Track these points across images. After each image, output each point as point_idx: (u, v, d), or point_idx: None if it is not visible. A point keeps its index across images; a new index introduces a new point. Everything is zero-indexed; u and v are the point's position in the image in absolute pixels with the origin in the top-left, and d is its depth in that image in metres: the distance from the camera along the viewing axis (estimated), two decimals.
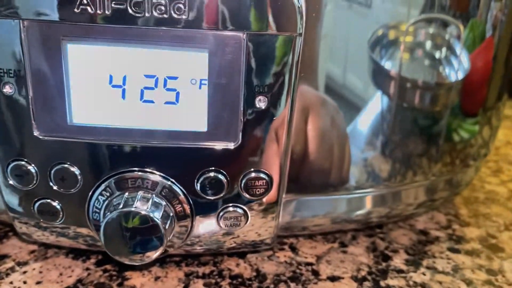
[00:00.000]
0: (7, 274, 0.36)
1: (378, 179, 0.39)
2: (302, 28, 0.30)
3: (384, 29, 0.34)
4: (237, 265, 0.39)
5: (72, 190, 0.34)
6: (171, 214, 0.34)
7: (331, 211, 0.40)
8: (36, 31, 0.30)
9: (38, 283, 0.36)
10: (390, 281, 0.38)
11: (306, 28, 0.31)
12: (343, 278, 0.38)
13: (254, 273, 0.38)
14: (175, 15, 0.29)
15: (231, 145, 0.33)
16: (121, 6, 0.29)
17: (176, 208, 0.34)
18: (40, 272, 0.37)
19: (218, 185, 0.34)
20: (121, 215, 0.32)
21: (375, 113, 0.37)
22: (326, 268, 0.39)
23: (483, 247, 0.43)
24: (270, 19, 0.30)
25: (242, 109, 0.32)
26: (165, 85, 0.32)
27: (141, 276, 0.37)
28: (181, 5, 0.29)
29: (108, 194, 0.33)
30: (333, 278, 0.38)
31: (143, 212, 0.32)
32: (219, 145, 0.33)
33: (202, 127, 0.32)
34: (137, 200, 0.32)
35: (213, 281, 0.37)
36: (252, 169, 0.34)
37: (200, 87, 0.32)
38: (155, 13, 0.29)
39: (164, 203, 0.34)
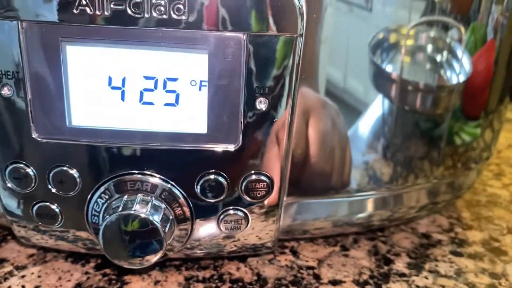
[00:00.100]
0: (5, 279, 0.36)
1: (380, 182, 0.39)
2: (302, 29, 0.30)
3: (385, 32, 0.34)
4: (238, 269, 0.38)
5: (71, 193, 0.33)
6: (171, 217, 0.33)
7: (332, 214, 0.40)
8: (35, 32, 0.29)
9: (36, 287, 0.35)
10: (392, 285, 0.37)
11: (307, 30, 0.31)
12: (344, 282, 0.38)
13: (255, 277, 0.38)
14: (174, 16, 0.29)
15: (231, 147, 0.32)
16: (120, 7, 0.28)
17: (176, 211, 0.34)
18: (39, 276, 0.36)
19: (218, 187, 0.33)
20: (120, 218, 0.31)
21: (376, 116, 0.36)
22: (327, 272, 0.39)
23: (486, 251, 0.43)
24: (271, 19, 0.29)
25: (242, 111, 0.31)
26: (164, 86, 0.31)
27: (140, 280, 0.37)
28: (180, 6, 0.29)
29: (107, 197, 0.33)
30: (334, 282, 0.38)
31: (142, 215, 0.31)
32: (219, 147, 0.32)
33: (202, 129, 0.32)
34: (136, 203, 0.32)
35: (213, 285, 0.36)
36: (253, 172, 0.33)
37: (200, 89, 0.31)
38: (154, 14, 0.29)
39: (163, 206, 0.33)
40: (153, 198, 0.33)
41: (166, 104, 0.31)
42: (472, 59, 0.38)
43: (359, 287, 0.37)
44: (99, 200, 0.33)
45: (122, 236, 0.32)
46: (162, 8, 0.29)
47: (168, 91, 0.31)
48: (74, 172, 0.33)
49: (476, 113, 0.42)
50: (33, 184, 0.33)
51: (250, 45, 0.30)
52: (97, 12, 0.29)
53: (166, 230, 0.32)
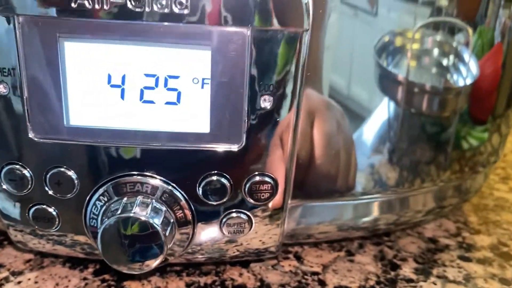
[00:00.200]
0: (1, 285, 0.35)
1: (385, 185, 0.38)
2: (309, 23, 0.29)
3: (390, 36, 0.33)
4: (240, 274, 0.37)
5: (69, 195, 0.32)
6: (172, 220, 0.32)
7: (337, 218, 0.38)
8: (32, 28, 0.28)
9: None
10: None
11: (312, 28, 0.29)
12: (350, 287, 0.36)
13: (258, 283, 0.36)
14: (176, 10, 0.28)
15: (234, 147, 0.31)
16: (120, 1, 0.27)
17: (177, 214, 0.32)
18: (36, 282, 0.35)
19: (221, 189, 0.32)
20: (119, 221, 0.30)
21: (382, 119, 0.35)
22: (332, 277, 0.37)
23: (495, 256, 0.41)
24: (276, 13, 0.28)
25: (246, 109, 0.30)
26: (166, 84, 0.30)
27: (140, 286, 0.35)
28: (182, 0, 0.27)
29: (106, 199, 0.32)
30: None
31: (142, 218, 0.30)
32: (222, 147, 0.31)
33: (205, 128, 0.31)
34: (136, 206, 0.31)
35: None
36: (257, 173, 0.32)
37: (202, 87, 0.30)
38: (155, 8, 0.27)
39: (164, 208, 0.32)
40: (154, 200, 0.32)
41: (167, 103, 0.30)
42: (479, 63, 0.37)
43: None
44: (97, 202, 0.32)
45: (121, 240, 0.30)
46: (164, 2, 0.27)
47: (169, 89, 0.30)
48: (72, 173, 0.31)
49: (483, 117, 0.42)
50: (29, 186, 0.32)
51: (255, 41, 0.29)
52: (96, 6, 0.28)
53: (167, 234, 0.31)
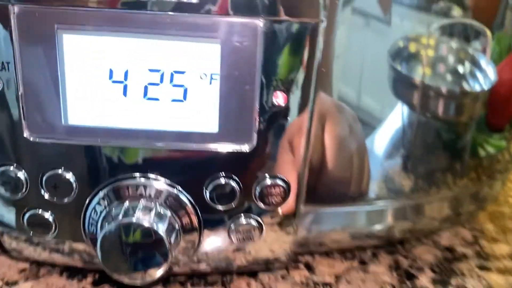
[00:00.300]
0: None
1: (399, 190, 0.36)
2: (325, 15, 0.27)
3: (404, 41, 0.32)
4: (248, 285, 0.35)
5: (66, 199, 0.30)
6: (177, 227, 0.30)
7: (350, 225, 0.37)
8: (29, 19, 0.27)
9: None
10: None
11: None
12: None
13: None
14: None
15: (244, 148, 0.29)
16: None
17: (183, 219, 0.31)
18: None
19: (230, 193, 0.30)
20: (121, 227, 0.28)
21: (397, 123, 0.34)
22: None
23: None
24: (290, 4, 0.26)
25: (257, 107, 0.28)
26: (171, 80, 0.28)
27: None
28: None
29: (106, 203, 0.30)
30: None
31: (145, 224, 0.28)
32: (231, 148, 0.29)
33: (213, 127, 0.29)
34: (139, 210, 0.29)
35: None
36: (268, 175, 0.30)
37: (210, 83, 0.28)
38: None
39: (169, 213, 0.30)
40: (157, 204, 0.30)
41: (173, 100, 0.29)
42: (497, 68, 0.36)
43: None
44: (97, 207, 0.30)
45: (123, 248, 0.29)
46: None
47: (175, 86, 0.29)
48: (70, 175, 0.30)
49: (501, 125, 0.40)
50: (24, 189, 0.30)
51: (267, 32, 0.27)
52: None
53: (172, 241, 0.29)
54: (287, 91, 0.28)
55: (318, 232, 0.36)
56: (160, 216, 0.29)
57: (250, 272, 0.36)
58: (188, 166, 0.30)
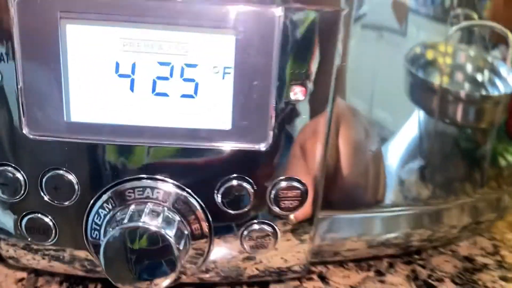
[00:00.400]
0: None
1: (416, 197, 0.34)
2: (346, 3, 0.25)
3: (421, 48, 0.30)
4: None
5: (67, 202, 0.28)
6: (186, 232, 0.28)
7: (366, 232, 0.35)
8: (30, 7, 0.25)
9: None
10: None
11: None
12: None
13: None
14: None
15: (259, 147, 0.28)
16: None
17: (192, 225, 0.29)
18: None
19: (243, 196, 0.28)
20: (126, 232, 0.26)
21: (414, 128, 0.33)
22: None
23: None
24: None
25: (273, 103, 0.27)
26: (182, 74, 0.27)
27: None
28: None
29: (110, 207, 0.28)
30: None
31: (152, 229, 0.26)
32: (245, 147, 0.28)
33: (225, 125, 0.27)
34: (145, 214, 0.27)
35: None
36: (284, 177, 0.28)
37: (223, 77, 0.27)
38: None
39: (178, 218, 0.28)
40: (165, 208, 0.28)
41: (183, 96, 0.27)
42: None
43: None
44: (100, 211, 0.28)
45: (127, 255, 0.27)
46: None
47: (185, 80, 0.27)
48: (71, 176, 0.28)
49: None
50: (22, 192, 0.28)
51: (285, 22, 0.25)
52: None
53: (181, 248, 0.27)
54: (306, 85, 0.26)
55: (332, 240, 0.34)
56: (168, 221, 0.27)
57: (261, 282, 0.34)
58: (198, 166, 0.28)
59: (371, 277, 0.36)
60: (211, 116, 0.27)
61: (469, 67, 0.32)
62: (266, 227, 0.29)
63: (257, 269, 0.32)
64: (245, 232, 0.29)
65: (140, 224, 0.26)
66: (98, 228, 0.28)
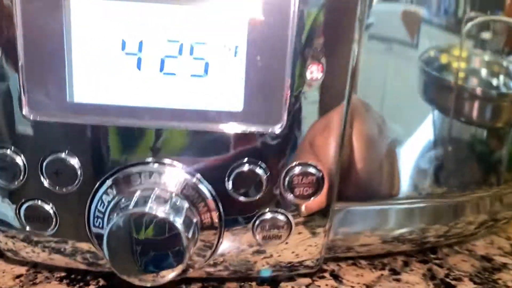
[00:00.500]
0: None
1: (432, 192, 0.33)
2: None
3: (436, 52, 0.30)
4: None
5: (69, 188, 0.27)
6: (195, 221, 0.26)
7: (380, 226, 0.33)
8: None
9: None
10: None
11: None
12: None
13: None
14: None
15: (273, 130, 0.26)
16: None
17: (201, 212, 0.27)
18: None
19: (256, 182, 0.27)
20: (131, 219, 0.25)
21: (429, 122, 0.31)
22: None
23: None
24: None
25: (289, 81, 0.25)
26: (191, 52, 0.25)
27: None
28: None
29: (114, 193, 0.27)
30: None
31: (159, 215, 0.24)
32: (257, 129, 0.26)
33: (237, 105, 0.26)
34: (152, 200, 0.25)
35: None
36: (299, 162, 0.27)
37: (235, 55, 0.25)
38: None
39: (186, 205, 0.26)
40: (174, 194, 0.26)
41: (193, 75, 0.26)
42: None
43: None
44: (104, 197, 0.27)
45: (133, 244, 0.25)
46: None
47: (195, 58, 0.26)
48: (74, 160, 0.27)
49: None
50: (21, 177, 0.27)
51: None
52: None
53: (189, 237, 0.25)
54: (324, 62, 0.25)
55: (346, 234, 0.32)
56: (176, 208, 0.26)
57: (271, 281, 0.33)
58: (208, 150, 0.27)
59: (385, 275, 0.34)
60: (222, 96, 0.26)
61: (483, 72, 0.32)
62: (279, 216, 0.28)
63: (267, 263, 0.30)
64: (257, 222, 0.28)
65: (147, 209, 0.24)
66: (101, 215, 0.27)
